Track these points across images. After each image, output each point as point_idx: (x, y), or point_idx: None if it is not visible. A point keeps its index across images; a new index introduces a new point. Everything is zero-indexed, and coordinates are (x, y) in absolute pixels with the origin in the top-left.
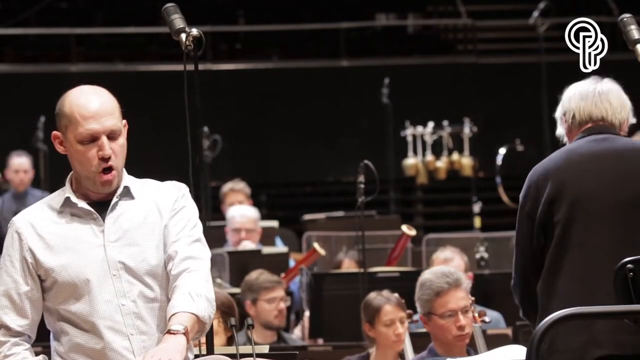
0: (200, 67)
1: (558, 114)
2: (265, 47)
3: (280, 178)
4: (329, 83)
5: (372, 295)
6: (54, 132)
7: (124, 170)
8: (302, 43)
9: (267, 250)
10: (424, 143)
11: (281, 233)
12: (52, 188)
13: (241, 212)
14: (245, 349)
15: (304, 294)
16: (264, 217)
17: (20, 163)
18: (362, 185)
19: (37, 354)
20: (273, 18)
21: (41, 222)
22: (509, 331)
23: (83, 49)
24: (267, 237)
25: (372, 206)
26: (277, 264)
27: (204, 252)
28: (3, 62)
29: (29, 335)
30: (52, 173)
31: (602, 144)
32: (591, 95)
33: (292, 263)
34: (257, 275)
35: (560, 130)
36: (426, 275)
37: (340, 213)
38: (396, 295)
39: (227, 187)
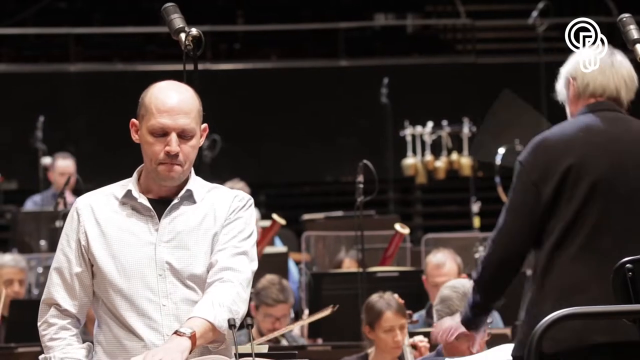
0: (200, 66)
1: (566, 73)
2: (264, 47)
3: (279, 178)
4: (328, 83)
5: (375, 299)
6: (132, 120)
7: (192, 172)
8: (301, 43)
9: (266, 250)
10: (423, 143)
11: (280, 233)
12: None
13: None
14: (245, 348)
15: (303, 293)
16: (263, 217)
17: (66, 166)
18: (361, 185)
19: None
20: (272, 18)
21: (102, 208)
22: (507, 331)
23: (82, 49)
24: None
25: (371, 206)
26: (276, 263)
27: (246, 266)
28: (2, 62)
29: (79, 318)
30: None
31: (617, 124)
32: (608, 70)
33: (291, 263)
34: (267, 285)
35: (562, 89)
36: (446, 291)
37: (339, 213)
38: (399, 300)
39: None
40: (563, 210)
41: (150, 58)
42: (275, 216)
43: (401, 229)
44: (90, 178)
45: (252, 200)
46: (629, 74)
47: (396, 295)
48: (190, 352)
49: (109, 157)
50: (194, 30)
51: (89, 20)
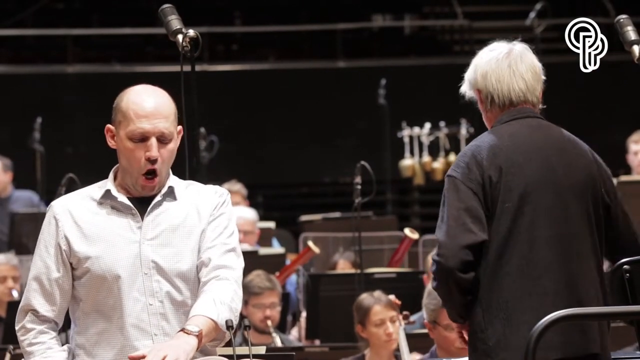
0: (197, 68)
1: (470, 82)
2: (261, 48)
3: (276, 179)
4: (326, 84)
5: (363, 296)
6: (108, 126)
7: (170, 172)
8: (299, 44)
9: (263, 251)
10: (420, 144)
11: (278, 234)
12: (48, 189)
13: (239, 214)
14: (242, 349)
15: (300, 295)
16: (260, 218)
17: None
18: (359, 186)
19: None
20: (270, 19)
21: (80, 211)
22: None
23: (80, 50)
24: (263, 238)
25: (368, 207)
26: (274, 264)
27: (237, 262)
28: (0, 63)
29: (56, 322)
30: (48, 174)
31: (540, 131)
32: (507, 76)
33: (288, 264)
34: (252, 278)
35: (469, 93)
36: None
37: (337, 214)
38: (391, 296)
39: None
40: (496, 226)
41: (148, 59)
42: (310, 244)
43: (410, 234)
44: (88, 179)
45: (230, 195)
46: (528, 68)
47: (393, 296)
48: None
49: (106, 158)
50: (191, 32)
51: (87, 21)
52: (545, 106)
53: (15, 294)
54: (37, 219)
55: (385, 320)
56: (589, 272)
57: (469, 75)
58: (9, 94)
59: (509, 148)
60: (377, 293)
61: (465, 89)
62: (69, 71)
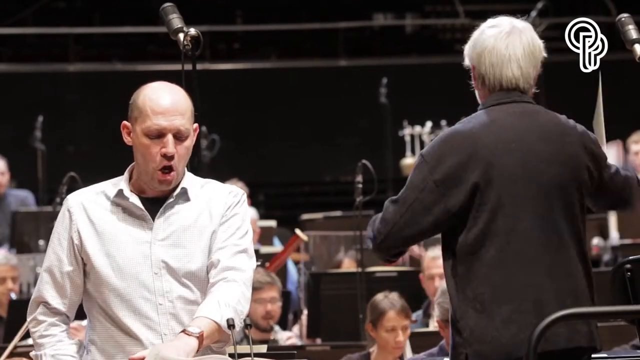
0: (198, 66)
1: (467, 54)
2: (263, 46)
3: (278, 178)
4: (327, 83)
5: (380, 297)
6: (124, 122)
7: (186, 170)
8: (300, 43)
9: (265, 249)
10: (422, 143)
11: (279, 233)
12: (49, 188)
13: None
14: (243, 348)
15: (302, 293)
16: (261, 216)
17: None
18: (360, 185)
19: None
20: (271, 18)
21: (94, 207)
22: None
23: (81, 49)
24: (265, 236)
25: (370, 206)
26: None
27: (247, 264)
28: (1, 62)
29: (67, 315)
30: (49, 172)
31: (524, 118)
32: (501, 60)
33: (290, 262)
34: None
35: (467, 63)
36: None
37: (338, 213)
38: (403, 302)
39: None
40: (474, 216)
41: (149, 58)
42: (298, 231)
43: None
44: (89, 178)
45: (245, 195)
46: (526, 50)
47: (404, 302)
48: (196, 352)
49: (108, 156)
50: (192, 30)
51: (88, 20)
52: (538, 90)
53: (13, 296)
54: (38, 218)
55: (397, 328)
56: (570, 264)
57: (467, 47)
58: (10, 92)
59: (489, 136)
60: (393, 296)
61: (465, 60)
62: (70, 70)
